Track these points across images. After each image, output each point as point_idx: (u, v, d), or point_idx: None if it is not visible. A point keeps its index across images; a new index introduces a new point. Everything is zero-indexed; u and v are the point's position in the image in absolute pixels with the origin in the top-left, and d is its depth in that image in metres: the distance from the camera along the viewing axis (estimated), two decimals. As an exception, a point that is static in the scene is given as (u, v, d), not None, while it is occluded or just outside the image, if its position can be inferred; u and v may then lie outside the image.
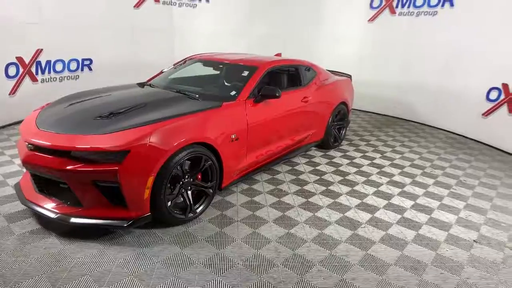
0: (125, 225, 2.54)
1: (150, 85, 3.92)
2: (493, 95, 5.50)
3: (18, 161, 3.99)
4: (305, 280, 2.35)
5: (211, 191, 3.06)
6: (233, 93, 3.47)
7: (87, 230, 2.72)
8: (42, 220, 2.83)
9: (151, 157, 2.52)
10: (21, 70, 5.36)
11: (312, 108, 4.27)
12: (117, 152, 2.43)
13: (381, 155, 4.88)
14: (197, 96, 3.37)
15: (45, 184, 2.73)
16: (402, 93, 6.88)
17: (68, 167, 2.44)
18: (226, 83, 3.92)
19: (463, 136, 6.04)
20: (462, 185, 4.06)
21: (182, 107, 3.02)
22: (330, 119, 4.68)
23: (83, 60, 6.34)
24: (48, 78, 5.83)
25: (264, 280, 2.32)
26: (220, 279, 2.30)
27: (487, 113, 5.58)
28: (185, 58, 4.45)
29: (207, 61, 4.22)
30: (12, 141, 4.65)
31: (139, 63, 7.10)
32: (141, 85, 3.97)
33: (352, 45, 7.24)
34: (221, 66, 4.16)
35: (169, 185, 2.69)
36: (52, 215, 2.58)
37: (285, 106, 3.83)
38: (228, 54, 4.47)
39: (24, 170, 3.70)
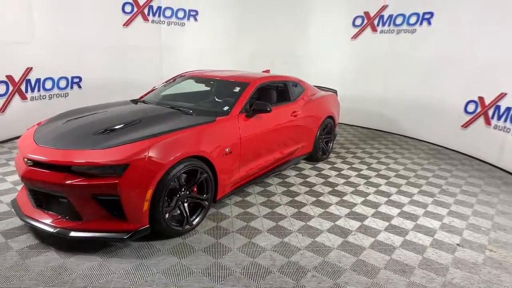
0: (125, 237, 2.60)
1: (143, 102, 4.03)
2: (471, 107, 5.83)
3: (10, 178, 4.00)
4: (301, 285, 2.45)
5: (206, 203, 3.15)
6: (226, 108, 3.61)
7: (86, 243, 2.76)
8: (40, 234, 2.86)
9: (150, 170, 2.61)
10: (10, 88, 5.39)
11: (301, 122, 4.46)
12: (117, 166, 2.52)
13: (367, 167, 5.07)
14: (190, 111, 3.50)
15: (44, 199, 2.78)
16: (385, 107, 7.18)
17: (69, 182, 2.51)
18: (218, 99, 4.07)
19: (444, 147, 6.33)
20: (445, 193, 4.27)
21: (177, 122, 3.14)
22: (318, 132, 4.86)
23: (72, 78, 6.42)
24: (38, 96, 5.87)
25: (262, 286, 2.41)
26: (220, 287, 2.38)
27: (466, 125, 5.90)
28: (176, 76, 4.60)
29: (198, 78, 4.38)
30: (2, 159, 4.64)
31: (128, 80, 7.22)
32: (135, 101, 4.08)
33: (336, 61, 7.56)
34: (212, 82, 4.33)
35: (166, 197, 2.78)
36: (51, 230, 2.62)
37: (275, 121, 3.99)
38: (218, 71, 4.64)
39: (18, 187, 3.72)
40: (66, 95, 6.32)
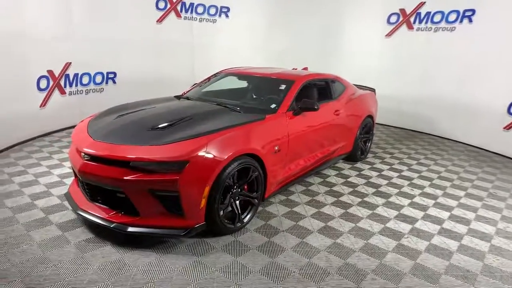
0: (182, 234, 2.59)
1: (187, 98, 4.02)
2: (514, 109, 5.61)
3: (57, 171, 4.06)
4: (362, 288, 2.39)
5: (256, 201, 3.12)
6: (273, 106, 3.57)
7: (140, 239, 2.77)
8: (94, 228, 2.88)
9: (208, 167, 2.59)
10: (51, 83, 5.49)
11: (343, 121, 4.37)
12: (177, 162, 2.51)
13: (407, 168, 4.94)
14: (237, 108, 3.47)
15: (99, 193, 2.80)
16: (420, 107, 6.99)
17: (128, 177, 2.51)
18: (262, 96, 4.02)
19: (484, 150, 6.12)
20: (493, 197, 4.12)
21: (228, 119, 3.10)
22: (358, 131, 4.76)
23: (107, 73, 6.51)
24: (75, 91, 5.97)
25: (322, 287, 2.36)
26: (281, 287, 2.34)
27: (509, 127, 5.68)
28: (217, 72, 4.57)
29: (241, 75, 4.34)
30: (45, 152, 4.73)
31: (160, 76, 7.28)
32: (178, 97, 4.08)
33: (369, 59, 7.39)
34: (256, 79, 4.27)
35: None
36: (108, 224, 2.63)
37: (320, 119, 3.92)
38: (259, 68, 4.59)
39: (65, 180, 3.77)
40: (102, 90, 6.41)
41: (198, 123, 2.98)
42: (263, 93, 4.04)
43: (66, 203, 3.30)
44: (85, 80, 6.12)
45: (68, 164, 4.30)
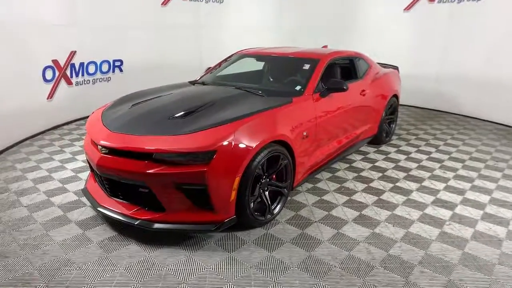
0: (212, 229, 2.41)
1: (203, 83, 3.78)
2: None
3: (70, 165, 3.89)
4: (411, 282, 2.19)
5: (286, 191, 2.91)
6: (298, 87, 3.32)
7: (164, 235, 2.58)
8: (116, 226, 2.70)
9: (237, 156, 2.38)
10: (57, 73, 5.26)
11: (369, 101, 4.11)
12: (205, 153, 2.30)
13: (436, 149, 4.69)
14: (260, 92, 3.22)
15: (120, 188, 2.61)
16: (442, 85, 6.66)
17: (151, 171, 2.31)
18: (284, 78, 3.76)
19: (512, 127, 5.83)
20: (532, 177, 3.87)
21: (253, 104, 2.87)
22: (384, 112, 4.50)
23: (114, 61, 6.25)
24: (82, 81, 5.75)
25: (368, 283, 2.17)
26: (323, 284, 2.15)
27: (540, 102, 5.37)
28: (233, 54, 4.30)
29: (259, 56, 4.07)
30: (56, 146, 4.55)
31: (168, 62, 6.98)
32: (192, 83, 3.84)
33: (387, 35, 7.02)
34: (276, 60, 4.00)
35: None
36: (133, 221, 2.45)
37: (347, 100, 3.67)
38: (276, 48, 4.31)
39: (80, 174, 3.60)
40: (109, 79, 6.17)
41: (221, 109, 2.75)
42: (284, 75, 3.77)
43: (83, 199, 3.13)
44: (91, 69, 5.87)
45: (81, 158, 4.12)
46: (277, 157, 2.72)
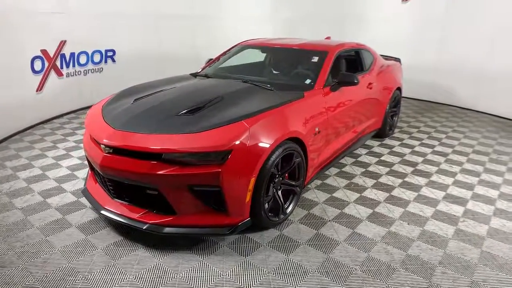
0: (227, 232, 2.28)
1: (206, 76, 3.60)
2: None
3: (65, 163, 3.68)
4: (435, 284, 2.12)
5: (298, 189, 2.80)
6: (308, 81, 3.18)
7: (173, 239, 2.44)
8: (121, 229, 2.55)
9: (253, 155, 2.25)
10: (46, 64, 4.98)
11: (375, 95, 4.01)
12: (220, 152, 2.15)
13: (438, 142, 4.65)
14: (268, 86, 3.08)
15: (125, 190, 2.44)
16: (439, 77, 6.63)
17: (162, 172, 2.15)
18: (291, 71, 3.61)
19: (510, 119, 5.84)
20: (537, 170, 3.87)
21: (264, 99, 2.73)
22: (388, 106, 4.42)
23: (106, 51, 5.97)
24: (73, 72, 5.47)
25: (392, 286, 2.09)
26: (346, 289, 2.07)
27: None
28: (235, 45, 4.12)
29: (264, 47, 3.90)
30: (48, 141, 4.31)
31: (161, 52, 6.73)
32: (194, 75, 3.65)
33: (384, 26, 6.93)
34: (282, 52, 3.84)
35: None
36: (141, 226, 2.30)
37: (356, 94, 3.56)
38: (280, 39, 4.14)
39: (77, 172, 3.40)
40: (101, 70, 5.90)
41: (230, 105, 2.60)
42: (292, 67, 3.61)
43: (83, 199, 2.95)
44: (83, 59, 5.59)
45: (76, 154, 3.91)
46: (291, 155, 2.60)
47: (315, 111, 2.90)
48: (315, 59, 3.37)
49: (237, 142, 2.19)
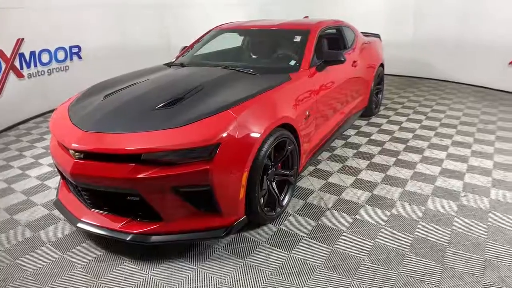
0: (222, 234, 2.06)
1: (181, 65, 3.32)
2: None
3: (33, 172, 3.33)
4: (449, 267, 2.00)
5: (293, 178, 2.61)
6: (292, 62, 2.96)
7: (161, 247, 2.20)
8: (101, 241, 2.28)
9: (243, 147, 2.03)
10: (3, 65, 4.52)
11: (360, 72, 3.86)
12: (206, 147, 1.91)
13: (425, 116, 4.58)
14: (251, 70, 2.84)
15: (102, 199, 2.17)
16: (417, 51, 6.57)
17: (142, 175, 1.90)
18: (273, 53, 3.38)
19: (489, 88, 5.85)
20: (525, 137, 3.85)
21: (248, 85, 2.50)
22: (373, 83, 4.27)
23: (70, 47, 5.51)
24: (35, 72, 5.02)
25: (404, 274, 1.95)
26: (356, 283, 1.91)
27: (515, 62, 5.39)
28: (211, 29, 3.83)
29: (242, 30, 3.64)
30: (13, 149, 3.92)
31: (132, 44, 6.30)
32: (169, 65, 3.36)
33: (358, 1, 6.76)
34: (261, 33, 3.59)
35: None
36: (124, 237, 2.04)
37: (342, 73, 3.38)
38: (259, 21, 3.87)
39: (47, 182, 3.08)
40: (67, 68, 5.45)
41: (213, 94, 2.35)
42: (273, 49, 3.38)
43: (55, 212, 2.65)
44: (45, 58, 5.12)
45: (46, 161, 3.56)
46: (283, 143, 2.39)
47: (303, 93, 2.70)
48: (298, 38, 3.15)
49: (225, 135, 1.96)
